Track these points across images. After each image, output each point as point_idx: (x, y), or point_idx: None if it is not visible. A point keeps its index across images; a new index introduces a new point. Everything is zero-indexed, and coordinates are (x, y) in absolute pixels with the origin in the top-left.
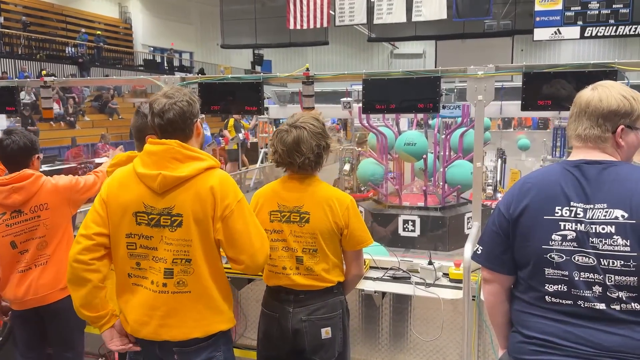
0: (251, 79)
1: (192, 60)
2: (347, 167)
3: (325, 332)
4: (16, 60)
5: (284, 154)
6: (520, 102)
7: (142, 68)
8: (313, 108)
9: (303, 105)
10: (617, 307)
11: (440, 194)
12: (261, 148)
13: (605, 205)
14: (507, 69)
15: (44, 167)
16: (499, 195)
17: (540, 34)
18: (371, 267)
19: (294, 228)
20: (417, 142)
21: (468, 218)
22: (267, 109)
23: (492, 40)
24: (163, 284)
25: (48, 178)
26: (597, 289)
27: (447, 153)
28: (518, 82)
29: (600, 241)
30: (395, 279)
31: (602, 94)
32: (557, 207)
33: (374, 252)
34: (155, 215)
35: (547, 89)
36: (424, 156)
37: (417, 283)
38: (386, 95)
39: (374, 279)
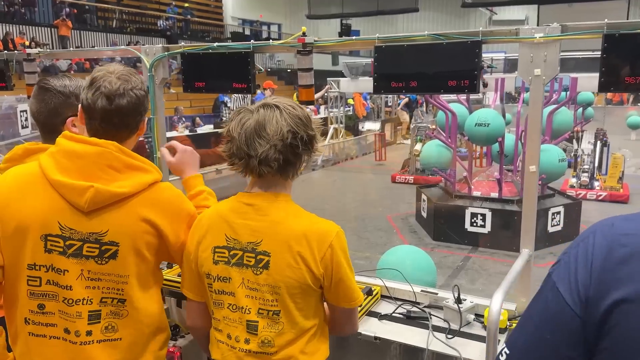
0: (239, 48)
1: (280, 32)
2: (418, 146)
3: None
4: (108, 34)
5: (240, 142)
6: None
7: (229, 41)
8: (312, 87)
9: (299, 82)
10: None
11: (519, 183)
12: (330, 124)
13: None
14: (579, 30)
15: None
16: (597, 185)
17: None
18: (382, 297)
19: (248, 275)
20: (491, 123)
21: (554, 214)
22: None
23: (604, 3)
24: (87, 332)
25: None
26: None
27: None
28: None
29: None
30: (409, 318)
31: None
32: None
33: (413, 257)
34: (76, 241)
35: None
36: (499, 139)
37: (435, 328)
38: (406, 68)
39: (380, 317)
